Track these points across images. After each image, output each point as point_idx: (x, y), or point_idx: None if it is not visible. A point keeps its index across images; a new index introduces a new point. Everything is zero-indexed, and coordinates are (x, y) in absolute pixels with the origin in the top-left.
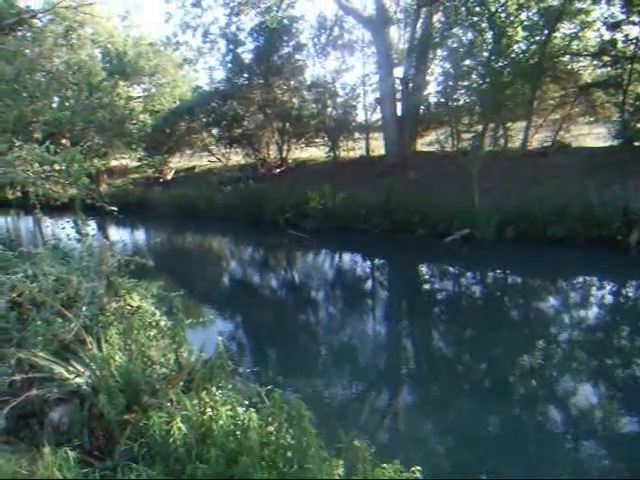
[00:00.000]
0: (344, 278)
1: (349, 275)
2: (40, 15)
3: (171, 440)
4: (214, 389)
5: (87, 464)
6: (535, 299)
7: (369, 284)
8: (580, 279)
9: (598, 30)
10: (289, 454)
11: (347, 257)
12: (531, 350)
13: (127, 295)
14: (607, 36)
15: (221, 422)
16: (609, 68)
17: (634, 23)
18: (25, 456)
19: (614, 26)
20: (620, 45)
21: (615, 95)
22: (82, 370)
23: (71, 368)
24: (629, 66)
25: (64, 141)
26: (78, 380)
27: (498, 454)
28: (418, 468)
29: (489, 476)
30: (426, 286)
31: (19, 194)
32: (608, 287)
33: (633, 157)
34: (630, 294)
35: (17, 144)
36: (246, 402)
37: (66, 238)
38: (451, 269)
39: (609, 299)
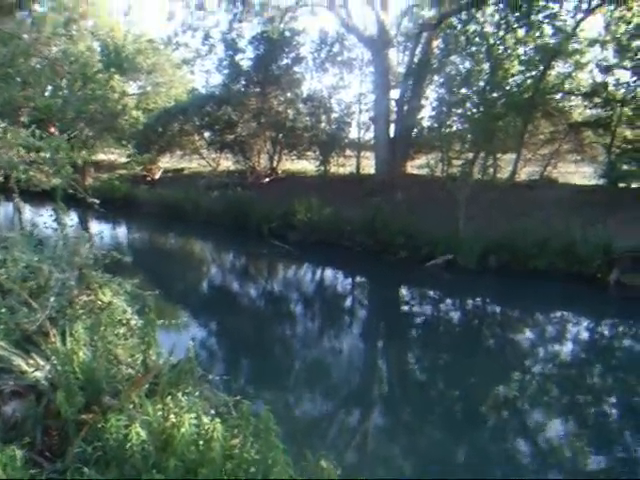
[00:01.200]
0: (323, 294)
1: (329, 291)
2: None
3: (128, 445)
4: (180, 395)
5: (36, 464)
6: (511, 330)
7: (348, 302)
8: (558, 313)
9: (591, 72)
10: (253, 469)
11: (329, 273)
12: (504, 381)
13: (99, 289)
14: (599, 78)
15: (183, 430)
16: (599, 109)
17: (625, 68)
18: None
19: (606, 69)
20: (611, 88)
21: (603, 136)
22: (42, 364)
23: (31, 361)
24: (618, 109)
25: (53, 130)
26: (37, 374)
27: None
28: None
29: None
30: (404, 308)
31: (0, 178)
32: (584, 323)
33: (617, 198)
34: (605, 332)
35: (1, 125)
36: (212, 411)
37: (43, 226)
38: (431, 294)
39: (584, 335)
